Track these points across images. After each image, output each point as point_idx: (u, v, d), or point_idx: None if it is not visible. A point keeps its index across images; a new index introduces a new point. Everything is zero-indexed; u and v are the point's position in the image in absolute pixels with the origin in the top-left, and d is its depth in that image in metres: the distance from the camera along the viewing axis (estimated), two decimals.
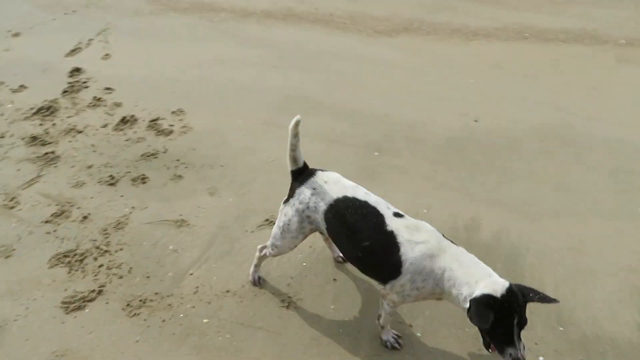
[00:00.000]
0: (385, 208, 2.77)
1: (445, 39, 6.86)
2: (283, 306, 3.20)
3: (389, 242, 2.64)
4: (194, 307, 3.18)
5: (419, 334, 3.10)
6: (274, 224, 3.78)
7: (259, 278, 3.36)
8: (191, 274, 3.41)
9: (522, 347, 2.46)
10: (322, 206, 2.81)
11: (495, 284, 2.44)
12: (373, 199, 2.80)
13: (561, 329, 3.17)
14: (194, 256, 3.55)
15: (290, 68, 6.15)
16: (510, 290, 2.42)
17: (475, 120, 5.25)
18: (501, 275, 2.52)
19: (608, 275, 3.52)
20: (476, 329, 3.13)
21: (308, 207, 2.86)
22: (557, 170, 4.59)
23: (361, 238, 2.72)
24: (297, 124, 2.82)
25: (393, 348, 2.98)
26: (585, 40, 6.96)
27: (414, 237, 2.64)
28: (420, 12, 7.62)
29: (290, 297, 3.27)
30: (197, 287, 3.32)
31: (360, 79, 5.95)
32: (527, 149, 4.84)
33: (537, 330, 3.13)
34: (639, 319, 3.24)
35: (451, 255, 2.60)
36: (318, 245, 3.63)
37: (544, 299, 2.50)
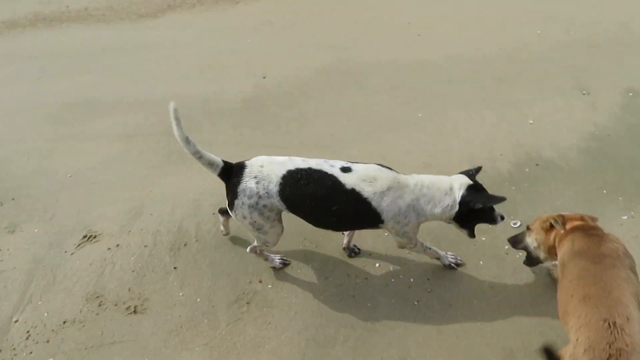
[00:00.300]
0: (330, 167, 2.78)
1: (212, 7, 6.87)
2: (130, 313, 3.05)
3: (357, 200, 2.72)
4: (31, 352, 2.87)
5: (270, 286, 3.23)
6: (94, 237, 3.57)
7: (281, 258, 3.35)
8: (16, 321, 3.05)
9: None
10: (274, 188, 2.73)
11: (461, 179, 2.87)
12: (313, 163, 2.80)
13: (386, 234, 3.57)
14: (13, 301, 3.17)
15: (58, 75, 5.63)
16: (470, 176, 2.92)
17: (264, 77, 5.42)
18: None
19: None
20: (318, 268, 3.39)
21: (260, 197, 2.73)
22: (346, 101, 5.01)
23: (328, 204, 2.73)
24: (175, 115, 2.62)
25: (457, 265, 3.36)
26: None
27: (376, 187, 2.74)
28: None
29: (134, 301, 3.13)
30: (28, 332, 2.98)
31: (139, 68, 5.70)
32: (316, 90, 5.18)
33: (369, 242, 3.49)
34: None
35: (413, 186, 2.82)
36: (150, 242, 3.51)
37: (478, 170, 3.05)
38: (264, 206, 2.77)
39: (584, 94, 5.08)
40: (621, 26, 6.21)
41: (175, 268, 3.33)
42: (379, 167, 2.86)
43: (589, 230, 2.74)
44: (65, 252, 3.47)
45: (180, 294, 3.17)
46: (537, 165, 4.20)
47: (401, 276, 3.35)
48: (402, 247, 3.10)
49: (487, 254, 3.51)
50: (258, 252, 3.18)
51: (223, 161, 2.81)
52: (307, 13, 6.69)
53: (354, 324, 3.06)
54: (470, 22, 6.37)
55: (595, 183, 4.01)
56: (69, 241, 3.57)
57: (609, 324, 2.23)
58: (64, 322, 3.02)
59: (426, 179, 2.88)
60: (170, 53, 5.90)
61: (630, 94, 5.06)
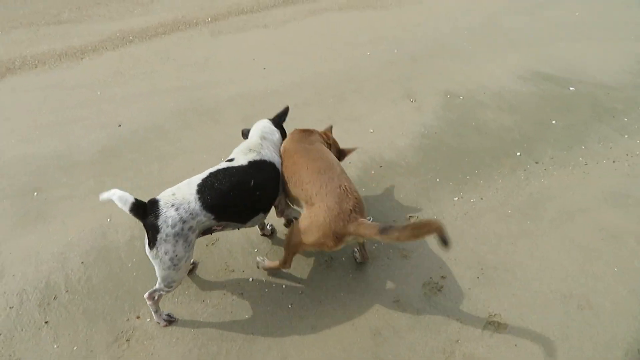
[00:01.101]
0: (220, 164, 3.18)
1: (56, 66, 6.74)
2: None
3: (259, 164, 3.23)
4: None
5: (148, 320, 3.32)
6: None
7: (168, 315, 3.32)
8: None
9: None
10: (196, 205, 2.88)
11: (263, 121, 3.77)
12: (208, 171, 3.11)
13: (256, 250, 3.83)
14: None
15: None
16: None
17: (119, 126, 5.46)
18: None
19: None
20: (194, 293, 3.53)
21: (184, 221, 2.83)
22: (204, 137, 5.23)
23: (247, 185, 3.07)
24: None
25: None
26: (180, 26, 7.79)
27: (260, 155, 3.30)
28: (18, 48, 7.21)
29: None
30: None
31: None
32: (173, 131, 5.33)
33: (240, 260, 3.70)
34: None
35: (270, 139, 3.54)
36: (15, 302, 3.41)
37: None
38: (190, 228, 2.87)
39: (411, 101, 5.81)
40: (435, 42, 7.20)
41: (46, 322, 3.29)
42: (248, 141, 3.51)
43: (303, 130, 3.73)
44: None
45: (55, 347, 3.14)
46: (380, 166, 4.74)
47: (274, 285, 3.62)
48: (283, 213, 3.59)
49: (349, 249, 3.91)
50: (157, 297, 3.16)
51: (135, 198, 2.81)
52: (156, 59, 6.83)
53: (235, 337, 3.25)
54: (307, 52, 6.94)
55: (430, 173, 4.64)
56: None
57: (343, 189, 3.04)
58: None
59: (264, 134, 3.57)
60: (12, 117, 5.68)
61: (448, 96, 5.90)
